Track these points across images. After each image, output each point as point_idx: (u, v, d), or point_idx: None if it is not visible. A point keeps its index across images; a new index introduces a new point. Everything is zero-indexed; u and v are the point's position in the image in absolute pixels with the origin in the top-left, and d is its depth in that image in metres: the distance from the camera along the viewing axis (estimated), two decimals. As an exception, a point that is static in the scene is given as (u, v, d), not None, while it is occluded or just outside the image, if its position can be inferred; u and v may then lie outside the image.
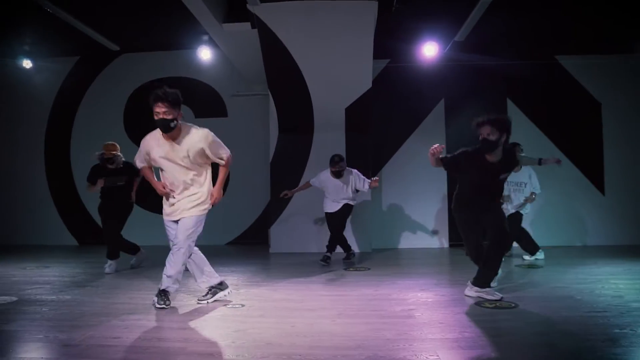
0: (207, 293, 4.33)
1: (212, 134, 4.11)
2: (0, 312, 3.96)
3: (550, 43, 8.15)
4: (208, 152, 4.06)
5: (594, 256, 6.81)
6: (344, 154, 6.98)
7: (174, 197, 4.12)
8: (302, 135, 7.87)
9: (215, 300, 4.30)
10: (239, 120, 8.97)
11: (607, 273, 5.44)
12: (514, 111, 8.40)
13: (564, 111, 8.35)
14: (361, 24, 7.00)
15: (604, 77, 8.35)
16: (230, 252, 8.02)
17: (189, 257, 4.20)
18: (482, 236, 4.43)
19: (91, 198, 7.55)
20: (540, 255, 6.52)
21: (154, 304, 4.09)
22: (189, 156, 4.02)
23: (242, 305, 4.19)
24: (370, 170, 7.63)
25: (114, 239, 6.07)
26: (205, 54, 8.18)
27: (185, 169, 4.07)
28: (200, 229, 4.17)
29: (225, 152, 4.20)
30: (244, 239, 8.99)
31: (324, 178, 6.55)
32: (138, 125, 8.99)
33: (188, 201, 4.10)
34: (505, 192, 6.18)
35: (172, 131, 3.97)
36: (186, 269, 4.30)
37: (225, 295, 4.36)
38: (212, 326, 3.59)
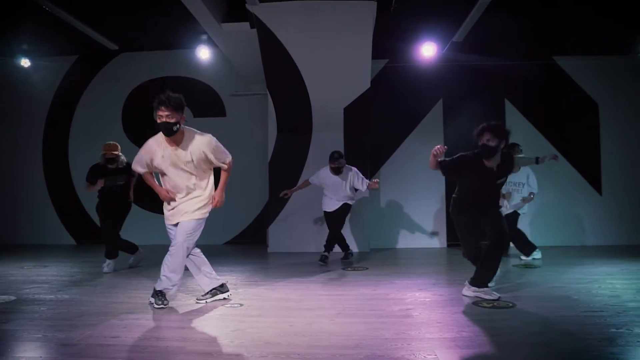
0: (206, 293, 4.33)
1: (215, 139, 4.13)
2: (-1, 312, 3.97)
3: (548, 44, 8.18)
4: (212, 157, 4.08)
5: (592, 256, 6.83)
6: (342, 154, 6.99)
7: (176, 203, 4.13)
8: (301, 135, 7.88)
9: (214, 301, 4.31)
10: (237, 120, 8.98)
11: (604, 273, 5.46)
12: (511, 111, 8.44)
13: (561, 112, 8.38)
14: (360, 24, 7.01)
15: (602, 78, 8.38)
16: (228, 252, 8.03)
17: (188, 257, 4.21)
18: (481, 237, 4.45)
19: (89, 197, 7.54)
20: (537, 254, 6.54)
21: (151, 305, 4.10)
22: (192, 161, 4.03)
23: (241, 305, 4.20)
24: (368, 170, 7.66)
25: (112, 239, 6.07)
26: (204, 53, 8.18)
27: (188, 173, 4.07)
28: (199, 232, 4.19)
29: (227, 157, 4.22)
30: (242, 239, 9.00)
31: (323, 175, 6.55)
32: (136, 124, 9.06)
33: (190, 204, 4.12)
34: (504, 190, 6.20)
35: (174, 135, 3.97)
36: (186, 269, 4.31)
37: (224, 298, 4.37)
38: (211, 325, 3.60)
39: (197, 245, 4.29)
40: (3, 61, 8.92)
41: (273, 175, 8.00)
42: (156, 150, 4.08)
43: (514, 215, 6.43)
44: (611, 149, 8.34)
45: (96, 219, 6.35)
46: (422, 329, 3.41)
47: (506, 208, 6.30)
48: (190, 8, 6.36)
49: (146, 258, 6.43)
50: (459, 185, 4.46)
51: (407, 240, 8.41)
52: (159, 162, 4.07)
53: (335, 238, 6.67)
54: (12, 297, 4.48)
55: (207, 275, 4.33)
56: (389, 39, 7.81)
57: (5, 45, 8.41)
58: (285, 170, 7.84)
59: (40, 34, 8.03)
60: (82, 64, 9.31)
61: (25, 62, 8.65)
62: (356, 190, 6.64)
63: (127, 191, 6.22)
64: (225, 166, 4.23)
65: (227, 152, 4.24)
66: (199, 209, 4.13)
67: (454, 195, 4.51)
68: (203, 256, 4.37)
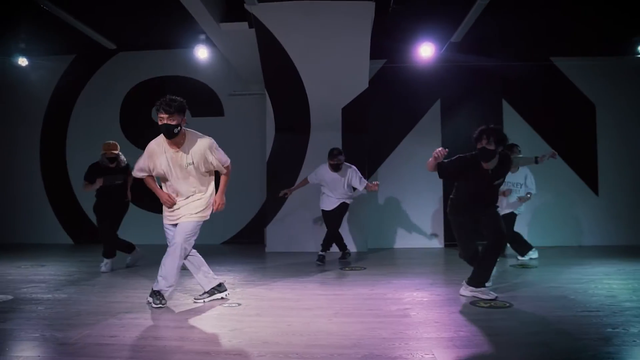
0: (204, 292, 4.34)
1: (215, 142, 4.15)
2: (-4, 311, 3.96)
3: (546, 44, 8.20)
4: (212, 159, 4.09)
5: (588, 256, 6.86)
6: (340, 154, 7.00)
7: (178, 205, 4.14)
8: (299, 135, 7.88)
9: (211, 300, 4.32)
10: (235, 120, 8.98)
11: (601, 273, 5.48)
12: (509, 112, 8.46)
13: (558, 112, 8.40)
14: (358, 24, 7.02)
15: (599, 79, 8.41)
16: (225, 252, 8.03)
17: (186, 258, 4.23)
18: (478, 238, 4.47)
19: (87, 197, 7.53)
20: (534, 254, 6.56)
21: (149, 304, 4.10)
22: (193, 163, 4.04)
23: (239, 304, 4.21)
24: (366, 170, 7.66)
25: (110, 238, 6.07)
26: (202, 53, 8.17)
27: (189, 176, 4.08)
28: (197, 234, 4.20)
29: (227, 161, 4.24)
30: (239, 238, 8.99)
31: (322, 172, 6.56)
32: (134, 124, 9.06)
33: (191, 206, 4.14)
34: (504, 187, 6.23)
35: (175, 137, 3.98)
36: (185, 268, 4.32)
37: (222, 297, 4.37)
38: (209, 325, 3.61)
39: (194, 245, 4.30)
40: (0, 60, 8.89)
41: (271, 175, 8.00)
42: (158, 153, 4.08)
43: (512, 217, 6.45)
44: (608, 149, 8.37)
45: (94, 218, 6.34)
46: (420, 329, 3.43)
47: (502, 208, 6.31)
48: (189, 8, 6.35)
49: (143, 257, 6.43)
50: (457, 186, 4.50)
51: (404, 240, 8.43)
52: (161, 164, 4.07)
53: (332, 237, 6.68)
54: (10, 297, 4.48)
55: (205, 275, 4.35)
56: (387, 39, 7.82)
57: (2, 44, 8.38)
58: (283, 170, 7.85)
59: (38, 32, 8.00)
60: (80, 63, 9.29)
61: (22, 61, 8.60)
62: (354, 189, 6.66)
63: (124, 191, 6.22)
64: (224, 170, 4.25)
65: (227, 156, 4.26)
66: (199, 211, 4.15)
67: (451, 196, 4.54)
68: (200, 256, 4.38)
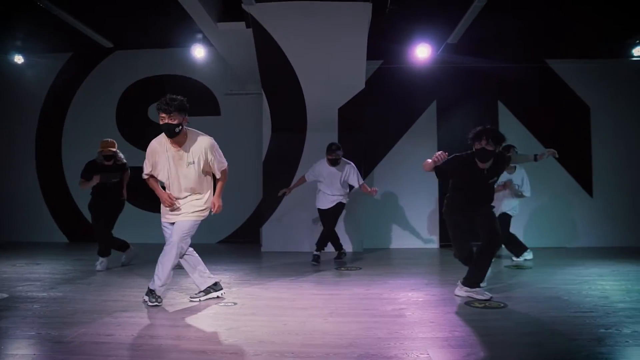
0: (200, 291, 4.35)
1: (216, 143, 4.17)
2: (-9, 309, 3.95)
3: (542, 46, 8.24)
4: (211, 158, 4.10)
5: (582, 257, 6.90)
6: (336, 155, 7.02)
7: (177, 205, 4.14)
8: (295, 135, 7.89)
9: (207, 299, 4.32)
10: (232, 119, 8.97)
11: (595, 274, 5.52)
12: (504, 113, 8.50)
13: (553, 114, 8.45)
14: (355, 25, 7.03)
15: (594, 81, 8.46)
16: (221, 251, 8.03)
17: (182, 257, 4.24)
18: (473, 238, 4.49)
19: (82, 195, 7.51)
20: (528, 255, 6.60)
21: (145, 303, 4.11)
22: (194, 162, 4.05)
23: (235, 304, 4.21)
24: (362, 170, 7.67)
25: (105, 237, 6.06)
26: (199, 52, 8.17)
27: (190, 175, 4.09)
28: (193, 233, 4.21)
29: (224, 164, 4.25)
30: (235, 238, 8.99)
31: (319, 168, 6.57)
32: (131, 123, 9.03)
33: (189, 205, 4.15)
34: (505, 179, 6.25)
35: (177, 136, 3.99)
36: (181, 267, 4.33)
37: (218, 296, 4.38)
38: (205, 324, 3.61)
39: (191, 244, 4.31)
40: (-4, 57, 8.87)
41: (267, 175, 8.00)
42: (159, 152, 4.09)
43: (506, 218, 6.48)
44: (602, 151, 8.43)
45: (89, 217, 6.33)
46: (415, 329, 3.45)
47: (497, 208, 6.33)
48: (186, 7, 6.35)
49: (138, 256, 6.42)
50: (452, 185, 4.52)
51: (400, 241, 8.44)
52: (162, 162, 4.08)
53: (328, 237, 6.69)
54: (5, 295, 4.47)
55: (201, 275, 4.35)
56: (384, 40, 7.84)
57: (-2, 41, 8.36)
58: (280, 169, 7.85)
59: (34, 30, 7.98)
60: (76, 62, 9.25)
61: (18, 59, 8.59)
62: (350, 188, 6.67)
63: (120, 189, 6.21)
64: (219, 173, 4.25)
65: (225, 159, 4.27)
66: (197, 210, 4.17)
67: (446, 196, 4.57)
68: (197, 255, 4.40)
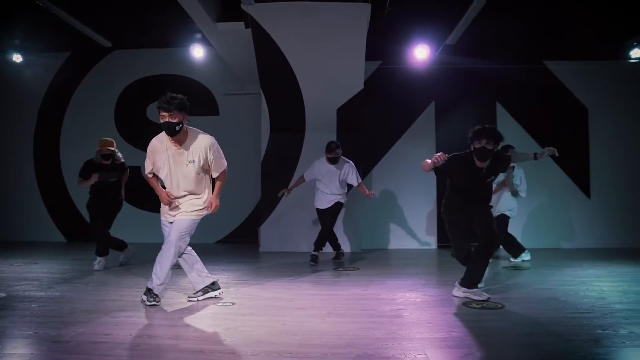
0: (198, 291, 4.35)
1: (217, 143, 4.17)
2: (-11, 308, 3.95)
3: (540, 48, 8.27)
4: (211, 158, 4.10)
5: (580, 259, 6.92)
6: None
7: (176, 203, 4.14)
8: (294, 135, 7.90)
9: (205, 299, 4.32)
10: (230, 119, 8.98)
11: (592, 275, 5.54)
12: (503, 115, 8.52)
13: (551, 115, 8.47)
14: (354, 26, 7.04)
15: (592, 83, 8.49)
16: (219, 251, 8.03)
17: (181, 256, 4.24)
18: (471, 238, 4.50)
19: (80, 195, 7.49)
20: (526, 256, 6.61)
21: (143, 302, 4.10)
22: (194, 161, 4.05)
23: (233, 304, 4.21)
24: (361, 171, 7.67)
25: (103, 236, 6.06)
26: (198, 52, 8.18)
27: (189, 173, 4.09)
28: (192, 232, 4.21)
29: (223, 164, 4.25)
30: (233, 238, 9.00)
31: (318, 166, 6.58)
32: (129, 122, 9.03)
33: (189, 204, 4.15)
34: (501, 178, 6.26)
35: (177, 135, 3.99)
36: (179, 267, 4.33)
37: (216, 295, 4.38)
38: (203, 324, 3.61)
39: (189, 243, 4.31)
40: (-5, 56, 8.86)
41: (266, 175, 8.02)
42: (159, 150, 4.09)
43: (504, 219, 6.50)
44: (600, 153, 8.46)
45: (87, 216, 6.33)
46: (413, 329, 3.45)
47: (495, 209, 6.35)
48: (185, 6, 6.35)
49: (135, 256, 6.42)
50: (450, 185, 4.53)
51: (398, 241, 8.46)
52: (162, 161, 4.08)
53: (326, 236, 6.69)
54: (2, 294, 4.46)
55: (199, 274, 4.35)
56: (383, 40, 7.85)
57: (-3, 40, 8.35)
58: (278, 169, 7.86)
59: (32, 29, 7.97)
60: (75, 61, 9.25)
61: (17, 58, 8.58)
62: (349, 188, 6.68)
63: (118, 189, 6.21)
64: (217, 173, 4.24)
65: (225, 160, 4.26)
66: (196, 209, 4.17)
67: (445, 195, 4.58)
68: (195, 254, 4.39)
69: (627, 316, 3.69)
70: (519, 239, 6.92)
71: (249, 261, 6.90)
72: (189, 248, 4.32)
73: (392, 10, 6.87)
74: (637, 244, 8.06)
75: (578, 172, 8.48)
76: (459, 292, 4.40)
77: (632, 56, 7.99)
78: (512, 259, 6.62)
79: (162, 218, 4.28)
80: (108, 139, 6.08)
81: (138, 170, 7.43)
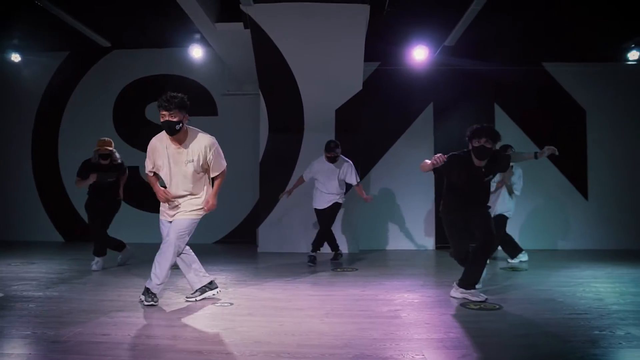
0: (196, 291, 4.35)
1: (217, 143, 4.17)
2: (-13, 308, 3.95)
3: (538, 50, 8.29)
4: (210, 157, 4.10)
5: (577, 260, 6.93)
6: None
7: (175, 203, 4.14)
8: (292, 136, 7.91)
9: (203, 299, 4.33)
10: (229, 120, 8.97)
11: (589, 276, 5.56)
12: (501, 116, 8.53)
13: (549, 117, 8.48)
14: (353, 27, 7.04)
15: (590, 85, 8.51)
16: (217, 251, 8.02)
17: (179, 256, 4.24)
18: (469, 238, 4.52)
19: (78, 195, 7.50)
20: (523, 256, 6.63)
21: (141, 302, 4.11)
22: (193, 160, 4.05)
23: (231, 304, 4.22)
24: (359, 171, 7.68)
25: (100, 237, 6.05)
26: (196, 52, 8.18)
27: (189, 173, 4.09)
28: (191, 232, 4.21)
29: (223, 165, 4.25)
30: (232, 238, 8.99)
31: (317, 165, 6.60)
32: (128, 122, 9.02)
33: (188, 204, 4.15)
34: (499, 178, 6.28)
35: (177, 134, 3.99)
36: (177, 267, 4.33)
37: (213, 295, 4.39)
38: (201, 324, 3.62)
39: (187, 243, 4.31)
40: (-7, 56, 8.84)
41: (264, 175, 8.02)
42: (159, 149, 4.09)
43: (503, 219, 6.52)
44: (597, 154, 8.48)
45: (85, 216, 6.32)
46: (410, 330, 3.46)
47: (494, 209, 6.36)
48: (185, 7, 6.35)
49: (134, 256, 6.42)
50: (447, 185, 4.54)
51: (396, 242, 8.47)
52: (161, 159, 4.08)
53: (324, 237, 6.70)
54: (0, 294, 4.45)
55: (196, 273, 4.35)
56: (381, 41, 7.86)
57: (-5, 39, 8.34)
58: (277, 170, 7.87)
59: (31, 29, 7.96)
60: (73, 61, 9.23)
61: (15, 57, 8.57)
62: (347, 189, 6.68)
63: (117, 189, 6.20)
64: (216, 174, 4.24)
65: (224, 160, 4.27)
66: (195, 209, 4.16)
67: (443, 195, 4.59)
68: (193, 254, 4.39)
69: (624, 317, 3.71)
70: (517, 240, 6.93)
71: (247, 262, 6.90)
72: (187, 248, 4.32)
73: (391, 11, 6.88)
74: (634, 246, 8.09)
75: (576, 174, 8.50)
76: (457, 293, 4.41)
77: (630, 58, 8.02)
78: (509, 260, 6.64)
79: (161, 217, 4.28)
80: (106, 138, 6.08)
81: (136, 170, 7.46)
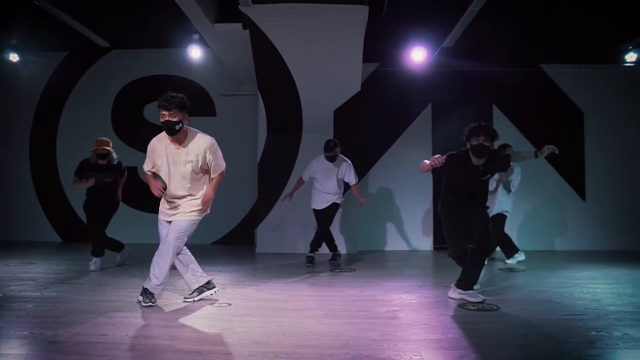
0: (193, 291, 4.35)
1: (217, 144, 4.16)
2: (-15, 308, 3.94)
3: (536, 51, 8.31)
4: (210, 158, 4.10)
5: (575, 261, 6.95)
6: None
7: (174, 203, 4.13)
8: (291, 136, 7.91)
9: (201, 299, 4.33)
10: (228, 120, 8.97)
11: (586, 277, 5.57)
12: (499, 117, 8.54)
13: (547, 118, 8.50)
14: (352, 28, 7.05)
15: (588, 86, 8.53)
16: (216, 252, 8.02)
17: (177, 256, 4.23)
18: (468, 238, 4.52)
19: (76, 195, 7.49)
20: (520, 256, 6.64)
21: (139, 303, 4.10)
22: (192, 161, 4.05)
23: (229, 305, 4.22)
24: (357, 172, 7.69)
25: (99, 237, 6.05)
26: (195, 53, 8.18)
27: (187, 173, 4.08)
28: (190, 233, 4.20)
29: (222, 166, 4.25)
30: (230, 239, 8.98)
31: (316, 165, 6.62)
32: (126, 123, 9.01)
33: (188, 205, 4.14)
34: (497, 177, 6.29)
35: (177, 134, 3.99)
36: (174, 268, 4.33)
37: (211, 294, 4.39)
38: (199, 324, 3.62)
39: (186, 244, 4.31)
40: (-9, 56, 8.82)
41: (262, 176, 8.03)
42: (158, 149, 4.09)
43: (501, 218, 6.53)
44: (595, 155, 8.50)
45: (83, 216, 6.32)
46: (409, 330, 3.47)
47: (492, 209, 6.36)
48: (183, 7, 6.35)
49: (132, 256, 6.42)
50: (447, 184, 4.55)
51: (394, 243, 8.48)
52: (160, 160, 4.08)
53: (322, 237, 6.71)
54: (-2, 294, 4.46)
55: (194, 274, 4.35)
56: (380, 42, 7.87)
57: (-7, 39, 8.32)
58: (275, 170, 7.87)
59: (30, 29, 7.95)
60: (72, 61, 9.22)
61: (13, 57, 8.55)
62: (346, 189, 6.69)
63: (115, 189, 6.20)
64: (215, 175, 4.23)
65: (223, 161, 4.27)
66: (195, 210, 4.16)
67: (442, 195, 4.60)
68: (190, 254, 4.39)
69: (621, 318, 3.72)
70: (514, 241, 6.94)
71: (246, 262, 6.90)
72: (185, 248, 4.32)
73: (389, 12, 6.89)
74: (632, 247, 8.11)
75: (573, 175, 8.52)
76: (455, 293, 4.42)
77: (628, 60, 8.06)
78: (506, 261, 6.65)
79: (160, 217, 4.26)
80: (104, 138, 6.08)
81: (134, 170, 7.46)
